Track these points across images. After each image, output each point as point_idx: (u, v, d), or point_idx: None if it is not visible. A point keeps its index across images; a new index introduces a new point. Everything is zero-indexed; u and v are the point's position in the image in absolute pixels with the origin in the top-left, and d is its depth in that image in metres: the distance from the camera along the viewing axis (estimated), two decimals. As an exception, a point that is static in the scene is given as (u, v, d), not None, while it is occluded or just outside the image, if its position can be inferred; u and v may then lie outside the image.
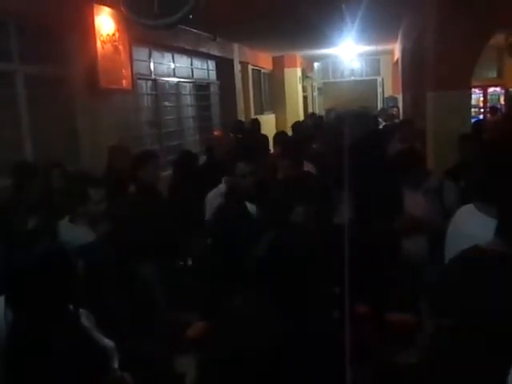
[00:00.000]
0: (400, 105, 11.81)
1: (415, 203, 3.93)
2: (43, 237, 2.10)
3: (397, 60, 12.91)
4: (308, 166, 4.80)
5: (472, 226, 2.60)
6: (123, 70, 5.88)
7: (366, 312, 4.78)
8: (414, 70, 8.98)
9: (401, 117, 10.91)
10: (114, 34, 5.60)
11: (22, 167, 4.07)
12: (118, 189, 4.25)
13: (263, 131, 8.59)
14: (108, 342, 2.19)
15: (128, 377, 2.15)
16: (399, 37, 10.89)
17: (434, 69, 5.72)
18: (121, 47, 5.78)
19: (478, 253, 2.08)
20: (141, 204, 4.08)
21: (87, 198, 3.20)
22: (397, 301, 4.88)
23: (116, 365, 2.16)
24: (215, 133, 7.94)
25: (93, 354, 1.91)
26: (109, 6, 5.44)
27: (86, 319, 2.11)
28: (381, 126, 9.84)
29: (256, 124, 8.39)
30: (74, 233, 3.08)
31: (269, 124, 11.20)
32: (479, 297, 1.96)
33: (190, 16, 3.88)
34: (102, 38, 5.37)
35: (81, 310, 2.09)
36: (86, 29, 5.21)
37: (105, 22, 5.45)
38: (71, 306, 1.94)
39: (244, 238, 3.02)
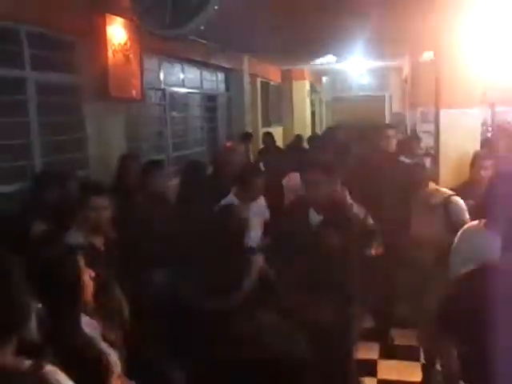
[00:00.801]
0: (407, 121, 11.80)
1: (421, 219, 3.93)
2: (50, 243, 2.09)
3: (405, 77, 12.94)
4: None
5: (477, 243, 2.60)
6: (133, 80, 5.91)
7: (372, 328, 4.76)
8: (422, 87, 9.00)
9: (408, 133, 10.88)
10: (125, 44, 5.64)
11: (42, 175, 4.11)
12: (127, 197, 4.27)
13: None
14: (111, 352, 2.17)
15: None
16: (408, 53, 10.92)
17: (443, 86, 5.72)
18: (132, 57, 5.82)
19: (489, 269, 2.07)
20: (148, 213, 4.08)
21: (86, 205, 3.21)
22: (401, 317, 4.86)
23: (116, 374, 2.14)
24: (227, 144, 7.93)
25: (90, 361, 1.89)
26: (121, 16, 5.48)
27: (89, 327, 2.10)
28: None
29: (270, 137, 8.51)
30: (76, 240, 3.09)
31: (276, 137, 11.19)
32: (488, 313, 1.95)
33: (202, 27, 3.90)
34: (113, 47, 5.41)
35: (86, 318, 2.08)
36: (98, 37, 5.25)
37: (116, 32, 5.49)
38: (74, 314, 1.93)
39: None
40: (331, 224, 3.21)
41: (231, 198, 4.23)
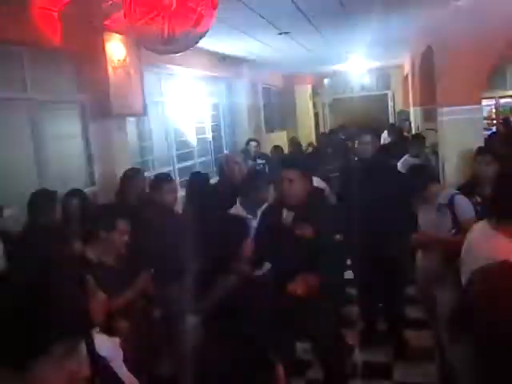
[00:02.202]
0: (411, 119, 11.79)
1: (428, 219, 3.92)
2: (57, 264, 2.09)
3: (407, 74, 12.92)
4: (321, 185, 4.82)
5: (486, 243, 2.59)
6: (135, 94, 5.95)
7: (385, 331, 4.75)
8: (424, 84, 8.99)
9: (412, 131, 10.88)
10: (124, 60, 5.69)
11: (38, 195, 4.13)
12: (133, 212, 4.28)
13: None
14: (127, 374, 2.16)
15: None
16: (409, 51, 10.92)
17: (444, 84, 5.72)
18: (132, 72, 5.86)
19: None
20: (158, 227, 4.08)
21: (113, 228, 3.27)
22: (413, 317, 4.85)
23: None
24: (227, 154, 7.94)
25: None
26: (119, 33, 5.53)
27: (109, 350, 2.08)
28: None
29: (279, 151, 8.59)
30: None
31: (280, 141, 11.23)
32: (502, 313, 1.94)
33: (198, 41, 3.93)
34: (113, 64, 5.45)
35: (104, 339, 2.08)
36: (98, 56, 5.31)
37: (115, 49, 5.54)
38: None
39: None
40: (303, 219, 3.33)
41: (237, 208, 4.24)
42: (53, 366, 1.04)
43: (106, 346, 2.08)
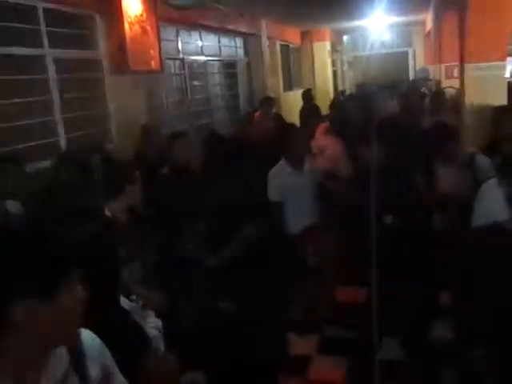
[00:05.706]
0: (433, 76, 11.51)
1: (448, 178, 3.87)
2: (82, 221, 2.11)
3: (429, 31, 12.55)
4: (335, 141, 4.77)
5: (492, 201, 2.56)
6: (151, 51, 5.89)
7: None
8: (447, 41, 8.75)
9: (433, 89, 10.64)
10: (141, 15, 5.61)
11: (59, 154, 4.16)
12: (151, 169, 4.28)
13: (292, 107, 8.56)
14: (156, 334, 2.19)
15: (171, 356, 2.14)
16: (431, 6, 10.58)
17: (468, 40, 5.56)
18: (148, 28, 5.79)
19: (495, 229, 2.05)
20: (175, 184, 4.04)
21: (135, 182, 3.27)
22: (431, 279, 4.84)
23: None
24: (255, 113, 7.67)
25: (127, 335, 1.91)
26: (135, -13, 5.44)
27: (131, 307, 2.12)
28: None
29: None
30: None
31: (298, 100, 11.10)
32: (494, 272, 1.94)
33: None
34: (129, 20, 5.38)
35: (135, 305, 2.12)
36: (114, 11, 5.23)
37: (132, 4, 5.45)
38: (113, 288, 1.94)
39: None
40: None
41: (283, 165, 4.15)
42: (72, 293, 1.14)
43: (130, 304, 2.12)
